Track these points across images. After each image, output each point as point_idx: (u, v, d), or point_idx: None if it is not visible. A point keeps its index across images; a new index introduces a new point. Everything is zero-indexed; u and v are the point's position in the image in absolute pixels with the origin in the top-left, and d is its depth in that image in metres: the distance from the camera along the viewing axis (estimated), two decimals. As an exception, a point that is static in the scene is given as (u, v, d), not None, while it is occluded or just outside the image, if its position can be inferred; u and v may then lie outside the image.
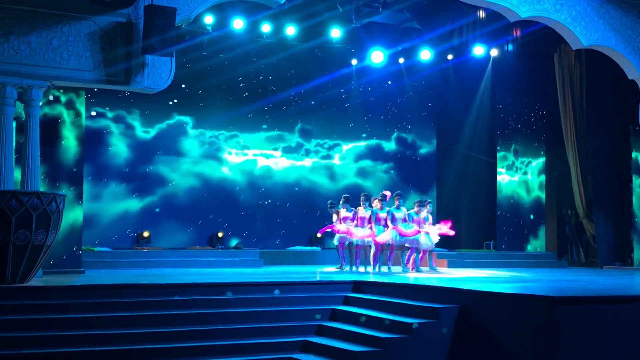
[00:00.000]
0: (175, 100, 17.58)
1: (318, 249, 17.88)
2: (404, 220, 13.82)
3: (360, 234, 13.88)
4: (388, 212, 13.85)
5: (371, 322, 9.21)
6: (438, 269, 14.74)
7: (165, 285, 9.82)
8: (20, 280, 9.71)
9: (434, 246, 14.11)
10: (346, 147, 19.74)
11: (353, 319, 9.57)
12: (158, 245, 16.71)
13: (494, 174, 19.27)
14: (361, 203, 14.25)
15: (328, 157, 19.54)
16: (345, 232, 13.98)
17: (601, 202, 17.56)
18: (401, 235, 13.65)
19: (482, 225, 19.55)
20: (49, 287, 9.45)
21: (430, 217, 14.38)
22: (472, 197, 20.00)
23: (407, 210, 13.99)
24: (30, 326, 8.54)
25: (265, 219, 18.61)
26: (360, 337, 8.83)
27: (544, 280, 11.36)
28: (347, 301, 10.26)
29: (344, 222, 14.06)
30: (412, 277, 12.23)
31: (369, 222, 13.93)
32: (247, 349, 8.90)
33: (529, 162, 19.43)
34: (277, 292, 9.65)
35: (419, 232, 13.75)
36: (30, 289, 9.33)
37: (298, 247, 17.92)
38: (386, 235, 13.62)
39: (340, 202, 14.34)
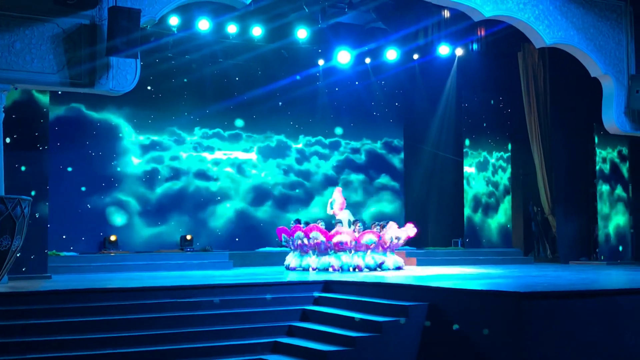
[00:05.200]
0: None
1: (288, 250, 17.80)
2: None
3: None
4: None
5: (342, 322, 9.24)
6: (408, 267, 14.87)
7: (133, 289, 9.73)
8: (-15, 286, 9.56)
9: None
10: (313, 146, 19.74)
11: (323, 318, 9.59)
12: (125, 249, 16.55)
13: (460, 172, 19.42)
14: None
15: (295, 155, 19.51)
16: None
17: (565, 199, 17.79)
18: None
19: (450, 223, 19.70)
20: (15, 293, 9.31)
21: None
22: (440, 196, 20.15)
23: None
24: (-4, 333, 8.41)
25: (234, 220, 18.56)
26: (331, 336, 8.86)
27: (511, 277, 11.50)
28: (318, 301, 10.28)
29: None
30: (382, 275, 12.28)
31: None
32: (217, 351, 8.86)
33: (495, 160, 19.59)
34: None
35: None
36: (-5, 296, 9.18)
37: (267, 249, 17.86)
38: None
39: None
